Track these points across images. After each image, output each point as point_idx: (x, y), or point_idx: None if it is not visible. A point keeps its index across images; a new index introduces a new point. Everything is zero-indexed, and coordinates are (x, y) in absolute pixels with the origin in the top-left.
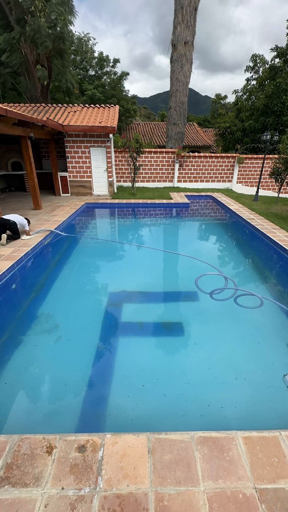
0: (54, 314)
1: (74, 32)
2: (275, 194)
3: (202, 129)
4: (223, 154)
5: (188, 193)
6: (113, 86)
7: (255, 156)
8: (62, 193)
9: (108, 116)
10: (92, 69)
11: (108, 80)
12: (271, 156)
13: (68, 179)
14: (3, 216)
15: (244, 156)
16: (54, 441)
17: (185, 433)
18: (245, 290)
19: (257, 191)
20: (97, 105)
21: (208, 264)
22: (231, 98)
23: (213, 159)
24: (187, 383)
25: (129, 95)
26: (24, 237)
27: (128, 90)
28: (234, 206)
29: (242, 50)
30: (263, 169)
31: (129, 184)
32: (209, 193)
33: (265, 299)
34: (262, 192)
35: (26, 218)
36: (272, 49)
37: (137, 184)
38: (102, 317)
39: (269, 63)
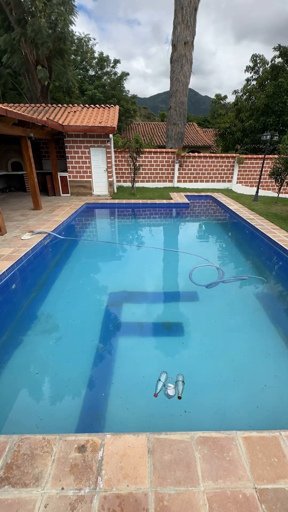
0: (54, 314)
1: (74, 32)
2: (275, 194)
3: (202, 129)
4: (223, 154)
5: (188, 193)
6: (113, 86)
7: (255, 156)
8: (62, 193)
9: (108, 116)
10: (92, 69)
11: (108, 80)
12: (271, 156)
13: (68, 179)
14: None
15: (244, 156)
16: (54, 441)
17: (185, 433)
18: (238, 277)
19: (257, 191)
20: (97, 105)
21: (202, 258)
22: (231, 98)
23: (213, 159)
24: (187, 383)
25: (129, 95)
26: (24, 237)
27: (128, 90)
28: (234, 206)
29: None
30: (263, 169)
31: (129, 184)
32: (209, 193)
33: (251, 277)
34: (262, 192)
35: None
36: (275, 48)
37: (137, 184)
38: (102, 317)
39: (270, 63)
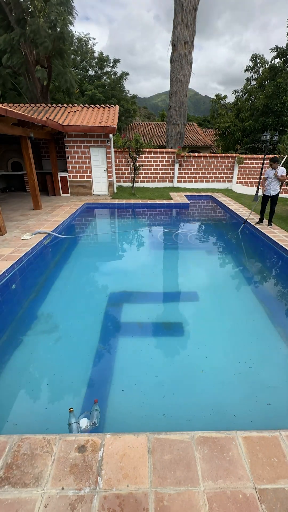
0: (54, 314)
1: (74, 32)
2: None
3: (202, 129)
4: (223, 154)
5: (188, 193)
6: (113, 86)
7: (255, 156)
8: (62, 193)
9: (108, 116)
10: (92, 69)
11: (108, 80)
12: (271, 156)
13: (68, 179)
14: None
15: (244, 156)
16: (54, 441)
17: (185, 433)
18: None
19: (257, 191)
20: (97, 105)
21: None
22: (231, 98)
23: (213, 159)
24: (187, 383)
25: (129, 95)
26: (24, 236)
27: (128, 90)
28: (234, 206)
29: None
30: (263, 169)
31: (129, 184)
32: (209, 193)
33: None
34: (262, 192)
35: None
36: (272, 49)
37: (137, 184)
38: (102, 317)
39: (269, 63)
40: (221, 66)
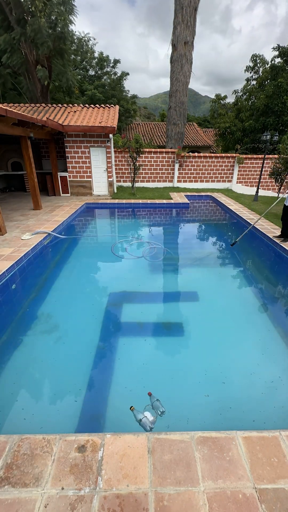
0: (54, 314)
1: (74, 32)
2: (275, 194)
3: (202, 129)
4: (223, 154)
5: (188, 193)
6: (113, 86)
7: (255, 156)
8: (62, 193)
9: (108, 116)
10: (92, 69)
11: (108, 80)
12: (271, 156)
13: (68, 179)
14: None
15: (244, 156)
16: (54, 441)
17: (185, 433)
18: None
19: (257, 191)
20: (97, 105)
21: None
22: (231, 98)
23: (213, 159)
24: (187, 383)
25: (129, 95)
26: (24, 236)
27: (128, 90)
28: (234, 206)
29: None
30: (263, 169)
31: (129, 184)
32: (209, 193)
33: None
34: (262, 192)
35: None
36: (274, 48)
37: (137, 184)
38: (102, 317)
39: (270, 63)
40: (208, 68)
